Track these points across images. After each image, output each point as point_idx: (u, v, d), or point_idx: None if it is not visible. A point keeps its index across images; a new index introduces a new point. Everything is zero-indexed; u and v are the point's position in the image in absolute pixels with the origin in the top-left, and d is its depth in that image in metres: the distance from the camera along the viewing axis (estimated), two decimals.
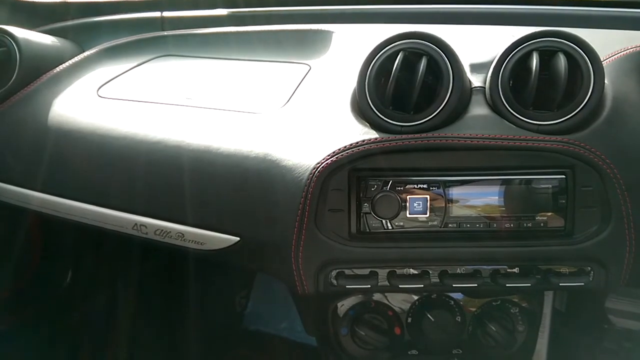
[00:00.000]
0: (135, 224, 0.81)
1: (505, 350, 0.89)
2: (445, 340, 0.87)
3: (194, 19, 1.14)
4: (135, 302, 1.35)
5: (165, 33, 1.10)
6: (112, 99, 0.91)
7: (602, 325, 1.06)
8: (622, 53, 0.81)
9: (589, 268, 0.74)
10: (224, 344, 1.50)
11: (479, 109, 0.73)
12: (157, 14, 1.14)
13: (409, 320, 0.89)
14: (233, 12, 1.13)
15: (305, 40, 1.01)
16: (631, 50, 0.81)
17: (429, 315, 0.85)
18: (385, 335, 0.87)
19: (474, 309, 0.89)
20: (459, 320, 0.88)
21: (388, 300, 0.89)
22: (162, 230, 0.80)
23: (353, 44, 0.93)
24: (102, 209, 0.83)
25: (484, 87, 0.75)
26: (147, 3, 1.18)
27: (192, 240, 0.80)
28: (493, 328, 0.85)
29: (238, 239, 0.78)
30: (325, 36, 0.99)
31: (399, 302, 0.89)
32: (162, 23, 1.13)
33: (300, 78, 0.90)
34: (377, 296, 0.89)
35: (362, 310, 0.88)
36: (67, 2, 1.18)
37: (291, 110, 0.83)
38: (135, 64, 1.01)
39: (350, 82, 0.78)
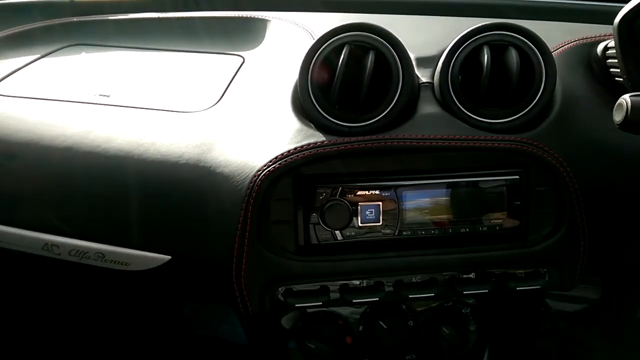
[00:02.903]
0: (46, 243, 0.70)
1: (459, 351, 0.87)
2: (398, 346, 0.84)
3: (109, 3, 1.01)
4: (60, 322, 1.21)
5: (75, 19, 0.97)
6: (13, 97, 0.78)
7: (538, 309, 1.07)
8: (566, 46, 0.79)
9: (544, 270, 0.73)
10: (164, 352, 1.40)
11: (428, 107, 0.69)
12: None
13: (361, 328, 0.84)
14: None
15: (237, 29, 0.93)
16: (576, 43, 0.79)
17: (381, 323, 0.81)
18: (336, 346, 0.82)
19: (425, 311, 0.86)
20: (412, 324, 0.84)
21: (337, 309, 0.84)
22: (77, 250, 0.69)
23: (291, 34, 0.85)
24: (5, 227, 0.71)
25: (432, 83, 0.71)
26: None
27: (115, 261, 0.70)
28: (446, 330, 0.82)
29: (169, 257, 0.69)
30: (260, 25, 0.91)
31: (349, 309, 0.84)
32: (73, 8, 1.00)
33: (233, 71, 0.82)
34: None
35: (310, 321, 0.83)
36: None
37: (225, 109, 0.74)
38: (40, 54, 0.89)
39: (289, 76, 0.71)
